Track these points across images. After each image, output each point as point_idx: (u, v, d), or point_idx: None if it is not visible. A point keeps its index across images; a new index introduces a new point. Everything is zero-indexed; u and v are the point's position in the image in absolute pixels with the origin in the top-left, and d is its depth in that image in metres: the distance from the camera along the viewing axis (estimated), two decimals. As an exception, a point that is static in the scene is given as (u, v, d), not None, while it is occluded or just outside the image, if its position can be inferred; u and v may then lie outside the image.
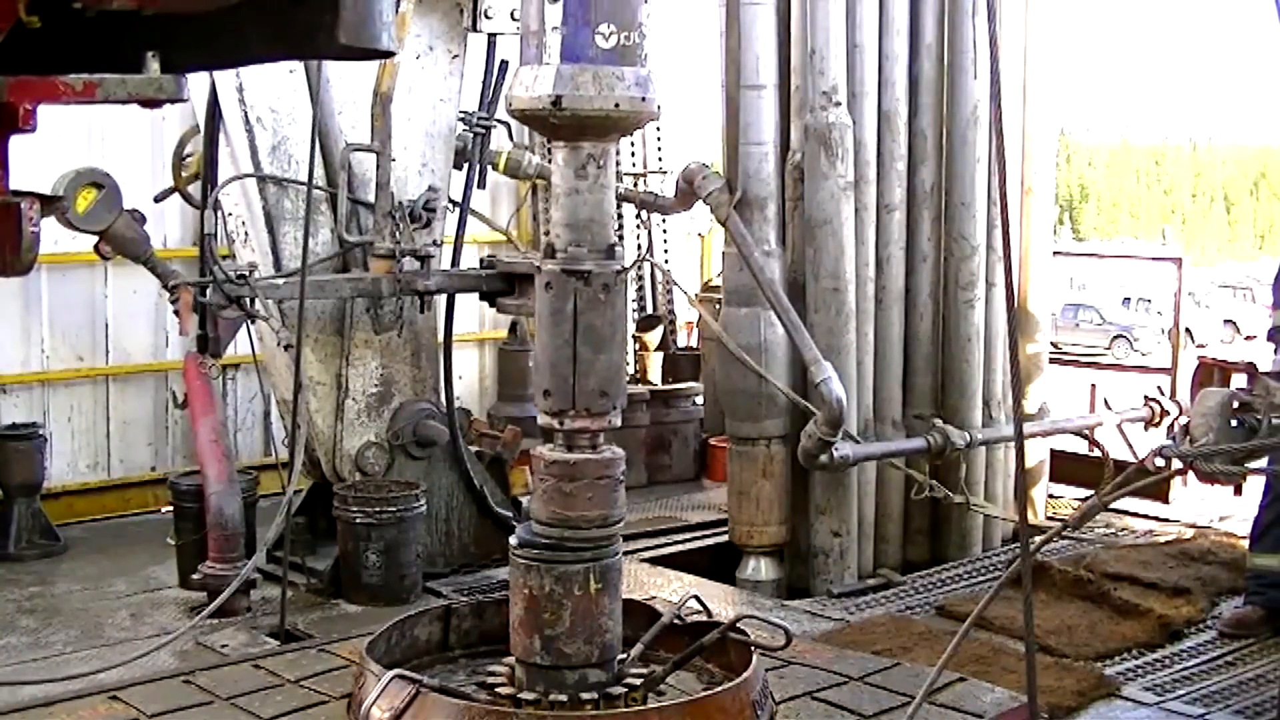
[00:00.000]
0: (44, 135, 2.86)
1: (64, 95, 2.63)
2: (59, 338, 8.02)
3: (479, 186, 7.05)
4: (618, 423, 4.13)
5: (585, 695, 4.11)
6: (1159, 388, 8.52)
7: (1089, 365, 11.56)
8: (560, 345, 4.03)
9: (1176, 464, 3.83)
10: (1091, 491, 7.68)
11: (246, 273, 5.93)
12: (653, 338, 10.38)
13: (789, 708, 4.51)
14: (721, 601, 6.19)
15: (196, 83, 6.20)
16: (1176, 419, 8.14)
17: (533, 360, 4.20)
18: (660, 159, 10.84)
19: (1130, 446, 7.81)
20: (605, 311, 4.04)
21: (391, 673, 4.03)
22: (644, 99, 3.95)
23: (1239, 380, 4.36)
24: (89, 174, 5.50)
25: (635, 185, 10.44)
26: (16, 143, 2.77)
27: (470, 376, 9.65)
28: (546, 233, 5.54)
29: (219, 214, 6.49)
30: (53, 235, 6.65)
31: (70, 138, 7.34)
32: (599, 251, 4.05)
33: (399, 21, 6.30)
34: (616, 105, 3.91)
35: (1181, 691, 5.45)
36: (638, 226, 10.70)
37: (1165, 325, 25.05)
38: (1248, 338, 31.95)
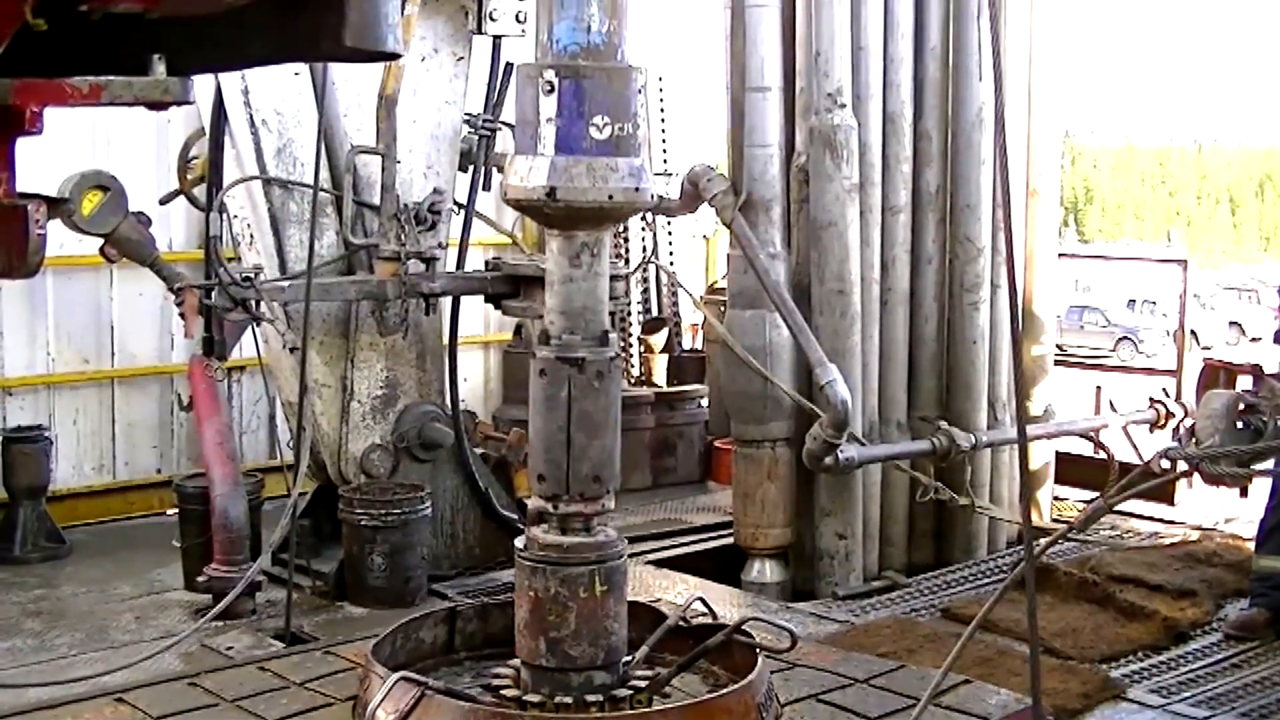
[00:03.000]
0: (50, 138, 2.86)
1: (70, 97, 2.64)
2: (64, 340, 8.02)
3: (484, 189, 7.04)
4: (611, 506, 4.16)
5: (590, 697, 4.11)
6: (1164, 390, 8.51)
7: (1094, 367, 11.53)
8: (554, 431, 4.04)
9: (1182, 466, 3.83)
10: (1097, 494, 7.69)
11: (252, 275, 5.92)
12: (658, 340, 10.38)
13: (794, 710, 4.50)
14: (726, 604, 6.17)
15: (202, 85, 6.20)
16: (1182, 421, 8.13)
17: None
18: (665, 161, 10.84)
19: (1135, 449, 7.81)
20: (599, 398, 4.05)
21: (396, 675, 4.02)
22: (638, 189, 3.95)
23: (1244, 382, 4.37)
24: (94, 176, 5.50)
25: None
26: (23, 145, 2.78)
27: (475, 379, 9.65)
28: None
29: (224, 216, 6.48)
30: (58, 238, 6.65)
31: (76, 140, 7.34)
32: (593, 339, 4.07)
33: (404, 24, 6.29)
34: (610, 197, 3.91)
35: (1187, 694, 5.44)
36: (643, 229, 10.69)
37: (1170, 327, 25.01)
38: (1253, 340, 31.94)
